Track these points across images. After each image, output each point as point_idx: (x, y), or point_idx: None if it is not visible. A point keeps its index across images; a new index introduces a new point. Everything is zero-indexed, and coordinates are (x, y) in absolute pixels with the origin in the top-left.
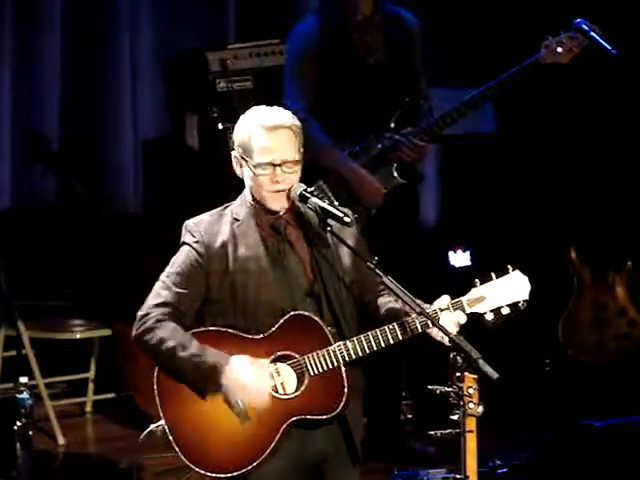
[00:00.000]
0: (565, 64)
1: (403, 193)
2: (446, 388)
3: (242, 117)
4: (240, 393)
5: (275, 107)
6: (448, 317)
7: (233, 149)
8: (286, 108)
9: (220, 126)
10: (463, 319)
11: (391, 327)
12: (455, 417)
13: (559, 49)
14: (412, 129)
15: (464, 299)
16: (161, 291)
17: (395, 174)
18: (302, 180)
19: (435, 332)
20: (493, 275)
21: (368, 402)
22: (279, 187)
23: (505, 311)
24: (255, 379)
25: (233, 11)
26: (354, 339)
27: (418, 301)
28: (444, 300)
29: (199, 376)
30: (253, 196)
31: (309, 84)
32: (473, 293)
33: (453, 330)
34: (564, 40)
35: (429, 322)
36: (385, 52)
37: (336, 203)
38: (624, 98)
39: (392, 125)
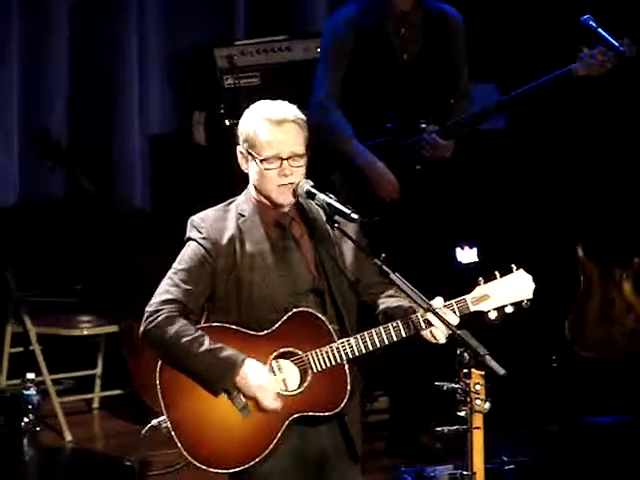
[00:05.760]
0: (596, 78)
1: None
2: (453, 384)
3: (246, 111)
4: (251, 393)
5: (279, 101)
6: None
7: (238, 144)
8: (315, 93)
9: (227, 122)
10: (455, 321)
11: (395, 325)
12: (462, 413)
13: (592, 62)
14: (439, 127)
15: (468, 297)
16: (169, 288)
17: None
18: (320, 170)
19: (427, 333)
20: (497, 274)
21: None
22: (287, 180)
23: (509, 310)
24: (268, 383)
25: (241, 8)
26: (357, 336)
27: (425, 299)
28: (438, 302)
29: (213, 373)
30: (258, 192)
31: (340, 73)
32: (477, 291)
33: (445, 332)
34: (597, 54)
35: (435, 318)
36: (420, 49)
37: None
38: (632, 97)
39: (423, 126)
